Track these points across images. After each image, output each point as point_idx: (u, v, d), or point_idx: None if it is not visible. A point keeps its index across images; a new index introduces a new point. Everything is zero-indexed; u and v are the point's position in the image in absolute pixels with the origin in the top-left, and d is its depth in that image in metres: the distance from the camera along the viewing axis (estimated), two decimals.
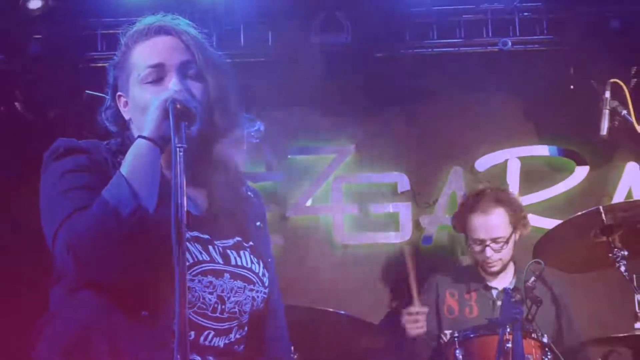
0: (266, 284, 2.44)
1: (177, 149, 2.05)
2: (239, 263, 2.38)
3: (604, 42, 5.33)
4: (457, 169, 5.72)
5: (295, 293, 4.50)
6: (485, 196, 4.73)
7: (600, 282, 5.08)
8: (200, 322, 2.27)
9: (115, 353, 2.16)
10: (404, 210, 5.73)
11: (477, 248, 4.72)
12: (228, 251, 2.37)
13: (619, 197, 5.59)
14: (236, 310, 2.34)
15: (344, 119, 5.65)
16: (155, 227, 2.10)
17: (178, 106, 2.16)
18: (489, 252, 4.65)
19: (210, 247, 2.33)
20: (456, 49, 5.77)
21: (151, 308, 2.18)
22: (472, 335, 4.17)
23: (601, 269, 4.52)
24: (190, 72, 2.36)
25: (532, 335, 4.02)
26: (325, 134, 5.78)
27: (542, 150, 5.82)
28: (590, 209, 4.23)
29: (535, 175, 5.78)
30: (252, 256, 2.43)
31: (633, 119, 4.32)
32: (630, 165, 5.67)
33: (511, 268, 4.81)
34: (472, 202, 4.76)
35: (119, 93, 2.45)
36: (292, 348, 4.17)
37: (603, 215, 4.16)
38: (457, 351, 4.14)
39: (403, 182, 5.74)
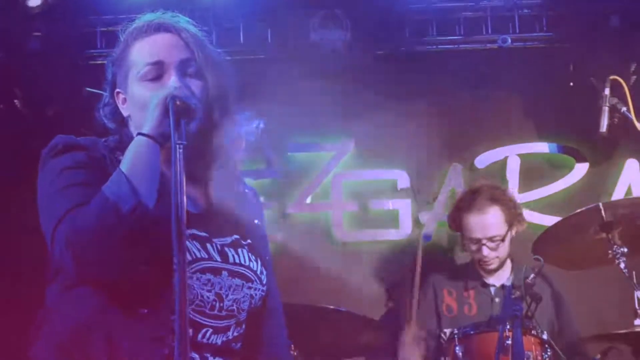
0: (264, 282, 2.44)
1: (177, 145, 2.05)
2: (237, 261, 2.37)
3: (603, 39, 5.33)
4: (456, 166, 5.71)
5: (295, 290, 4.50)
6: (480, 195, 4.73)
7: (600, 279, 5.08)
8: (198, 319, 2.26)
9: (113, 350, 2.15)
10: (404, 207, 5.73)
11: (474, 247, 4.72)
12: (226, 249, 2.37)
13: (618, 194, 5.59)
14: (234, 308, 2.34)
15: (344, 116, 5.65)
16: (154, 224, 2.10)
17: (178, 103, 2.16)
18: (485, 250, 4.65)
19: (209, 245, 2.33)
20: (456, 46, 5.77)
21: (150, 305, 2.18)
22: (472, 332, 4.18)
23: (601, 266, 4.52)
24: (189, 70, 2.35)
25: (532, 332, 4.02)
26: (324, 131, 5.78)
27: (542, 147, 5.82)
28: (589, 206, 4.23)
29: (535, 172, 5.78)
30: (250, 254, 2.42)
31: (633, 116, 4.33)
32: (630, 162, 5.66)
33: (508, 265, 4.81)
34: (467, 201, 4.76)
35: (117, 90, 2.44)
36: (292, 345, 4.20)
37: (602, 212, 4.17)
38: (457, 348, 4.15)
39: (403, 179, 5.73)
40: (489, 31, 5.70)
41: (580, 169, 5.72)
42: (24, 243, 4.30)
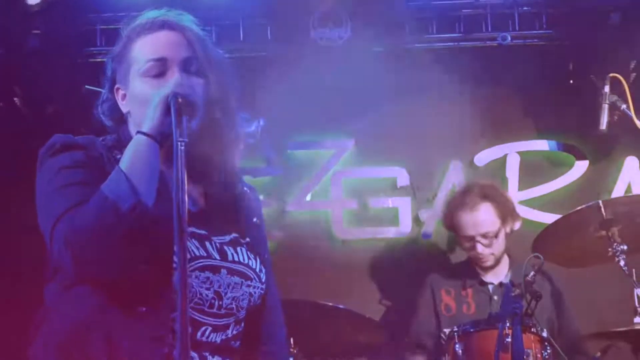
0: (263, 280, 2.44)
1: (179, 143, 2.05)
2: (236, 259, 2.37)
3: (603, 37, 5.32)
4: (456, 163, 5.71)
5: (294, 288, 4.50)
6: (471, 192, 4.74)
7: (600, 277, 5.08)
8: (197, 317, 2.26)
9: (113, 349, 2.15)
10: (404, 205, 5.73)
11: (467, 244, 4.73)
12: (225, 247, 2.37)
13: (618, 192, 5.59)
14: (233, 306, 2.34)
15: (344, 114, 5.65)
16: (153, 223, 2.10)
17: (180, 100, 2.16)
18: (479, 247, 4.66)
19: (207, 243, 2.33)
20: (455, 43, 5.77)
21: (149, 304, 2.18)
22: (471, 330, 4.17)
23: (601, 264, 4.52)
24: (192, 68, 2.35)
25: (532, 329, 4.02)
26: (324, 128, 5.78)
27: (542, 144, 5.82)
28: (589, 204, 4.23)
29: (535, 170, 5.78)
30: (248, 252, 2.43)
31: (632, 114, 4.33)
32: (630, 160, 5.66)
33: (506, 262, 4.82)
34: (459, 200, 4.78)
35: (117, 86, 2.44)
36: (292, 342, 4.20)
37: (602, 209, 4.17)
38: (457, 346, 4.15)
39: (402, 176, 5.74)
40: (489, 29, 5.70)
41: (580, 167, 5.72)
42: (23, 242, 4.29)
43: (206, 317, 2.28)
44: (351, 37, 5.54)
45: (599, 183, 5.67)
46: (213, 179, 2.43)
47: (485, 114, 5.72)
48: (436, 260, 5.54)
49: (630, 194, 5.47)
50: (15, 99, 5.46)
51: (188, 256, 2.20)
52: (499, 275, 4.79)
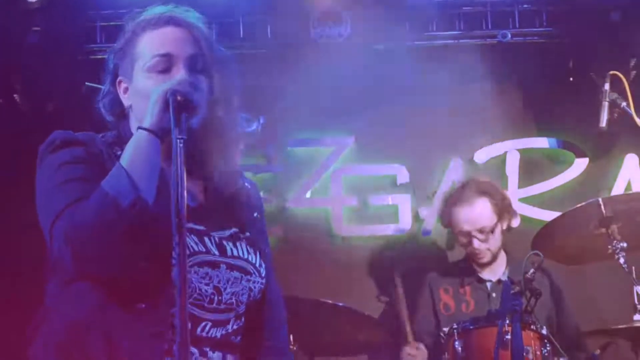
0: (263, 275, 2.44)
1: (178, 140, 2.05)
2: (235, 254, 2.37)
3: (603, 35, 5.32)
4: (456, 161, 5.71)
5: (294, 285, 4.50)
6: (467, 188, 4.76)
7: (599, 274, 5.09)
8: (197, 313, 2.26)
9: (112, 347, 2.15)
10: (403, 202, 5.73)
11: (464, 240, 4.74)
12: (224, 242, 2.37)
13: (618, 189, 5.59)
14: (233, 301, 2.34)
15: (344, 111, 5.65)
16: (153, 220, 2.10)
17: (179, 98, 2.15)
18: (475, 243, 4.67)
19: (206, 238, 2.33)
20: (455, 41, 5.76)
21: (148, 300, 2.17)
22: (471, 327, 4.18)
23: (600, 261, 4.53)
24: (197, 66, 2.35)
25: (531, 326, 4.02)
26: (324, 126, 5.77)
27: (542, 142, 5.81)
28: (589, 201, 4.24)
29: (535, 167, 5.77)
30: (248, 247, 2.42)
31: (632, 111, 4.33)
32: (630, 157, 5.66)
33: (503, 259, 4.82)
34: (456, 196, 4.79)
35: (119, 79, 2.43)
36: (291, 339, 4.20)
37: (602, 207, 4.17)
38: (457, 343, 4.15)
39: (402, 174, 5.73)
40: (489, 26, 5.69)
41: (580, 164, 5.71)
42: (23, 241, 4.30)
43: (206, 313, 2.28)
44: (351, 35, 5.54)
45: (599, 181, 5.67)
46: (213, 177, 2.44)
47: (486, 111, 5.72)
48: (436, 257, 5.54)
49: (630, 192, 5.47)
50: (15, 95, 5.46)
51: (187, 252, 2.21)
52: (496, 272, 4.79)
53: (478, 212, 4.67)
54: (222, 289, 2.31)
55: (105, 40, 5.54)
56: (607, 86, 4.39)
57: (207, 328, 2.29)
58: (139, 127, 2.22)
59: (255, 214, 2.57)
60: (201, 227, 2.34)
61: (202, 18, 2.47)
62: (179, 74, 2.29)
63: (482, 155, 5.76)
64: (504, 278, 4.66)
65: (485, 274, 4.79)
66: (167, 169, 2.23)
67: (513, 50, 5.68)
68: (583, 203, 4.27)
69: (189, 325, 2.15)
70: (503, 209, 4.72)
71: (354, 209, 5.75)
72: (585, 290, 5.24)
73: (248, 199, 2.56)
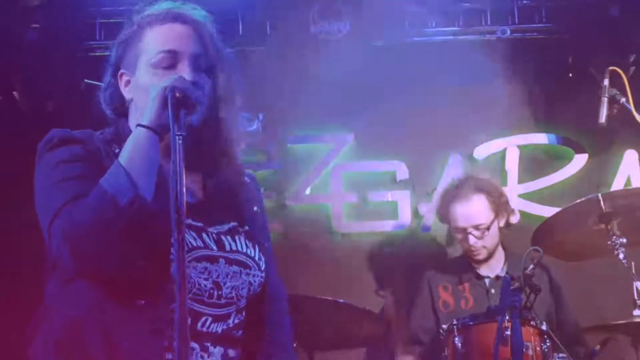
0: (263, 268, 2.44)
1: (176, 137, 2.05)
2: (234, 248, 2.37)
3: (602, 30, 5.32)
4: (455, 157, 5.71)
5: (294, 282, 4.50)
6: (465, 185, 4.76)
7: (599, 270, 5.08)
8: (196, 308, 2.26)
9: (111, 345, 2.14)
10: (403, 199, 5.73)
11: (460, 236, 4.75)
12: (222, 237, 2.37)
13: (617, 185, 5.59)
14: (233, 295, 2.34)
15: (343, 108, 5.65)
16: (152, 218, 2.10)
17: (177, 94, 2.15)
18: (471, 239, 4.67)
19: (204, 234, 2.33)
20: (455, 37, 5.76)
21: (147, 297, 2.17)
22: (470, 323, 4.17)
23: (600, 257, 4.53)
24: (202, 64, 2.35)
25: (531, 322, 4.02)
26: (324, 122, 5.77)
27: (541, 138, 5.81)
28: (588, 197, 4.24)
29: (534, 163, 5.78)
30: (247, 241, 2.42)
31: (632, 107, 4.33)
32: (629, 153, 5.66)
33: (501, 255, 4.82)
34: (453, 192, 4.79)
35: (121, 71, 2.43)
36: None
37: (602, 203, 4.17)
38: (456, 339, 4.15)
39: (402, 170, 5.74)
40: (488, 22, 5.69)
41: (579, 160, 5.72)
42: (22, 240, 4.29)
43: (206, 308, 2.28)
44: (350, 31, 5.54)
45: (598, 176, 5.67)
46: (214, 174, 2.44)
47: (485, 107, 5.72)
48: (435, 253, 5.55)
49: (630, 187, 5.47)
50: (14, 92, 5.46)
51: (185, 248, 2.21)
52: (494, 268, 4.79)
53: (475, 209, 4.67)
54: (222, 284, 2.31)
55: (104, 37, 5.54)
56: (606, 82, 4.39)
57: (208, 323, 2.29)
58: (138, 125, 2.22)
59: (255, 208, 2.57)
60: (199, 223, 2.34)
61: (209, 16, 2.47)
62: (184, 71, 2.29)
63: (481, 151, 5.77)
64: (502, 274, 4.66)
65: (484, 271, 4.79)
66: (166, 165, 2.23)
67: (512, 46, 5.67)
68: (582, 199, 4.27)
69: (189, 320, 2.15)
70: (500, 206, 4.71)
71: (353, 206, 5.75)
72: (584, 286, 5.24)
73: (247, 193, 2.56)
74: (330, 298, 4.42)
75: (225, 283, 2.31)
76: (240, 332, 2.39)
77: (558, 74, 5.65)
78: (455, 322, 4.21)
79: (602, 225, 4.23)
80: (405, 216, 5.71)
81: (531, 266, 3.91)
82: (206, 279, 2.28)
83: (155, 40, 2.37)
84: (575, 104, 5.39)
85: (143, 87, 2.33)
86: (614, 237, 4.18)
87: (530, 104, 5.82)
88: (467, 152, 5.76)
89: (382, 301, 5.51)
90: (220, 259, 2.32)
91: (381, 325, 4.77)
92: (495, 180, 5.01)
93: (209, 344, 2.28)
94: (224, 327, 2.33)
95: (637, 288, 4.09)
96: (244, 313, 2.41)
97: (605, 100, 4.36)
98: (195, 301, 2.25)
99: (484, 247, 4.69)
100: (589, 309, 5.08)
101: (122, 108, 2.45)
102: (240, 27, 5.63)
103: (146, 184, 2.15)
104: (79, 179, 2.22)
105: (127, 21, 2.47)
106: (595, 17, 5.33)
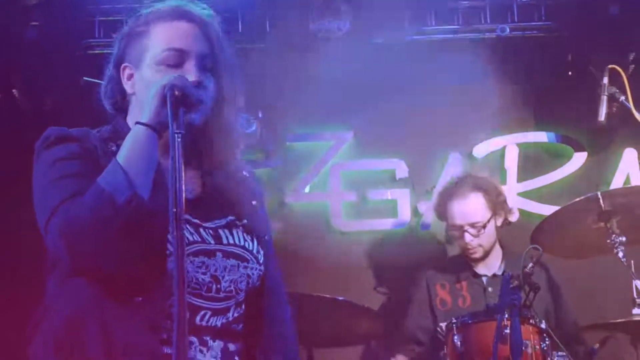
0: (261, 261, 2.43)
1: (175, 135, 2.05)
2: (231, 241, 2.37)
3: (602, 29, 5.32)
4: (455, 155, 5.71)
5: (293, 280, 4.50)
6: (463, 183, 4.76)
7: (598, 268, 5.09)
8: (195, 302, 2.26)
9: (110, 342, 2.14)
10: (402, 197, 5.73)
11: (456, 234, 4.75)
12: (220, 231, 2.37)
13: (617, 183, 5.59)
14: (232, 288, 2.33)
15: (342, 106, 5.65)
16: (149, 216, 2.10)
17: (176, 92, 2.15)
18: (467, 237, 4.67)
19: (201, 229, 2.33)
20: (454, 35, 5.76)
21: (145, 293, 2.17)
22: (470, 322, 4.18)
23: (599, 255, 4.53)
24: (207, 64, 2.35)
25: (530, 320, 4.02)
26: (323, 120, 5.77)
27: (540, 136, 5.81)
28: (588, 195, 4.24)
29: (533, 161, 5.78)
30: (245, 234, 2.42)
31: (631, 105, 4.33)
32: (628, 151, 5.66)
33: (498, 253, 4.82)
34: (451, 189, 4.79)
35: (125, 64, 2.42)
36: None
37: (601, 201, 4.17)
38: (456, 337, 4.15)
39: (401, 168, 5.74)
40: (488, 20, 5.68)
41: (579, 158, 5.72)
42: (22, 239, 4.28)
43: (205, 301, 2.28)
44: (350, 29, 5.52)
45: (598, 175, 5.67)
46: (212, 173, 2.44)
47: (484, 105, 5.72)
48: (434, 251, 5.55)
49: (629, 186, 5.47)
50: (13, 90, 5.45)
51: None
52: (491, 267, 4.79)
53: (471, 207, 4.67)
54: (220, 277, 2.31)
55: (104, 35, 5.52)
56: (605, 80, 4.40)
57: (207, 317, 2.29)
58: (137, 122, 2.21)
59: (253, 202, 2.56)
60: (197, 220, 2.34)
61: (216, 16, 2.46)
62: (190, 71, 2.29)
63: (481, 150, 5.77)
64: (500, 273, 4.67)
65: (481, 269, 4.79)
66: (165, 163, 2.23)
67: (512, 44, 5.67)
68: (582, 197, 4.27)
69: (187, 314, 2.15)
70: (497, 205, 4.71)
71: (352, 204, 5.76)
72: (584, 284, 5.24)
73: (246, 187, 2.56)
74: (329, 296, 4.43)
75: (223, 277, 2.31)
76: (240, 325, 2.39)
77: (557, 72, 5.65)
78: (454, 320, 4.21)
79: (602, 224, 4.24)
80: (405, 214, 5.71)
81: (530, 264, 3.91)
82: (204, 273, 2.28)
83: (161, 37, 2.36)
84: (575, 102, 5.40)
85: (146, 82, 2.33)
86: (613, 235, 4.18)
87: (530, 102, 5.82)
88: (467, 150, 5.76)
89: (381, 299, 5.52)
90: (218, 253, 2.32)
91: (380, 323, 4.76)
92: (494, 179, 5.01)
93: (208, 338, 2.28)
94: (224, 320, 2.33)
95: (636, 286, 4.09)
96: (243, 306, 2.40)
97: (604, 98, 4.37)
98: (193, 295, 2.25)
99: (480, 245, 4.69)
100: (588, 307, 5.08)
101: (122, 102, 2.45)
102: (240, 25, 5.62)
103: (144, 182, 2.15)
104: (76, 177, 2.22)
105: (134, 15, 2.46)
106: (595, 15, 5.33)
